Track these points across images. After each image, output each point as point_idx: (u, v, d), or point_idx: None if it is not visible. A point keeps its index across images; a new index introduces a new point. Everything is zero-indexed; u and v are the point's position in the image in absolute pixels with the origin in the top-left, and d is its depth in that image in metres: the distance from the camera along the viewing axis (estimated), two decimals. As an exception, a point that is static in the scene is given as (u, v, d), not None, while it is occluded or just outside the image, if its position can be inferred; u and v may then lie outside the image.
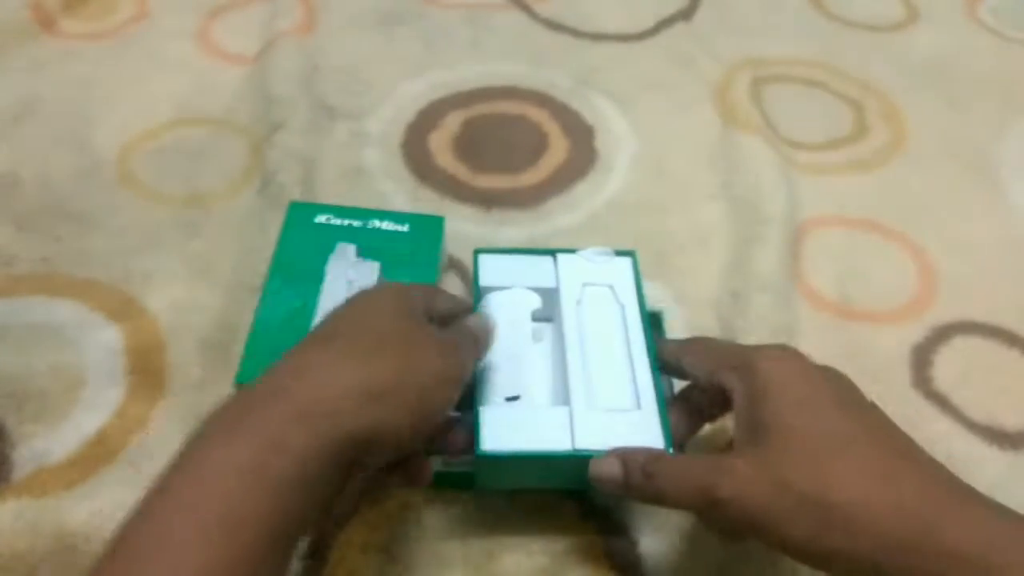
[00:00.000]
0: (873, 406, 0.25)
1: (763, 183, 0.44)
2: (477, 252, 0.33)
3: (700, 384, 0.29)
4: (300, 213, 0.37)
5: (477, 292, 0.32)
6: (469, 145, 0.46)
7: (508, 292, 0.32)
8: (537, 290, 0.32)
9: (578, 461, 0.27)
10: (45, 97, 0.47)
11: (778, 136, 0.48)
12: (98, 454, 0.31)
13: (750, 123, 0.48)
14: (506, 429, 0.28)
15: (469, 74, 0.51)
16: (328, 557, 0.29)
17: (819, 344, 0.36)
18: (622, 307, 0.32)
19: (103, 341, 0.35)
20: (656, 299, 0.38)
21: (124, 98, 0.47)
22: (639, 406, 0.29)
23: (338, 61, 0.51)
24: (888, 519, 0.21)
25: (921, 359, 0.37)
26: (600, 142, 0.47)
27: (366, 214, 0.37)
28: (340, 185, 0.43)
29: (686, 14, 0.57)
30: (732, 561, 0.30)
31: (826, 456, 0.23)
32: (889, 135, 0.49)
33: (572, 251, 0.33)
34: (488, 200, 0.43)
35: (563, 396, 0.29)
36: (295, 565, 0.29)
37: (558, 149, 0.46)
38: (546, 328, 0.33)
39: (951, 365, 0.37)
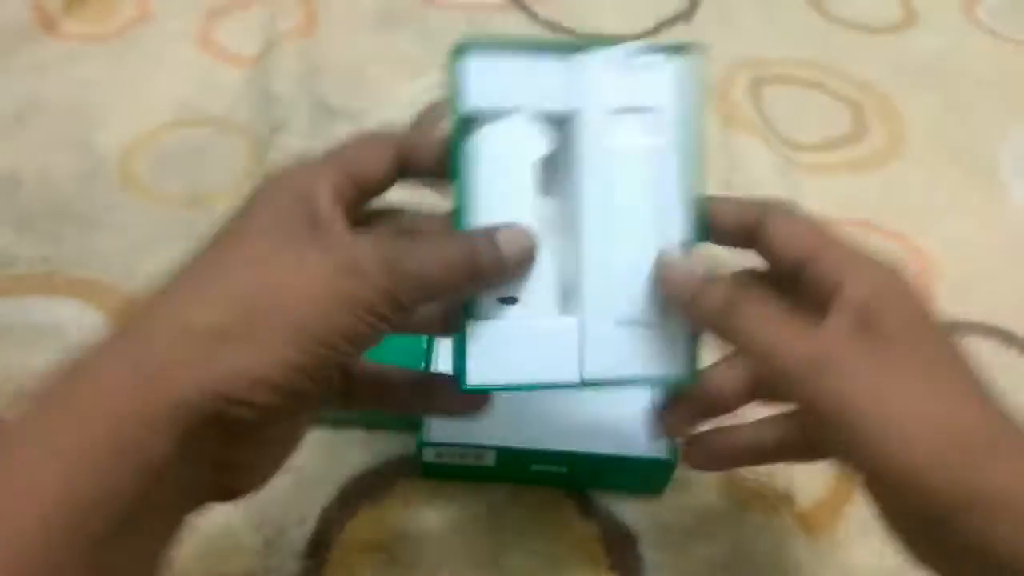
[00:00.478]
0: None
1: (762, 184, 0.44)
2: (458, 50, 0.21)
3: (780, 272, 0.21)
4: None
5: (456, 121, 0.21)
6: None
7: (502, 126, 0.21)
8: (544, 116, 0.22)
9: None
10: (46, 98, 0.47)
11: (777, 137, 0.48)
12: (99, 453, 0.31)
13: (749, 124, 0.48)
14: (497, 353, 0.21)
15: (469, 75, 0.51)
16: (327, 556, 0.29)
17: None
18: (661, 150, 0.22)
19: (104, 341, 0.35)
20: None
21: (125, 99, 0.47)
22: (665, 318, 0.22)
23: (338, 62, 0.51)
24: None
25: (920, 359, 0.37)
26: (600, 143, 0.47)
27: None
28: (340, 185, 0.43)
29: (686, 15, 0.57)
30: (733, 560, 0.30)
31: (959, 391, 0.18)
32: (888, 135, 0.49)
33: (602, 45, 0.22)
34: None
35: (572, 298, 0.22)
36: (294, 564, 0.29)
37: (558, 150, 0.46)
38: (553, 177, 0.22)
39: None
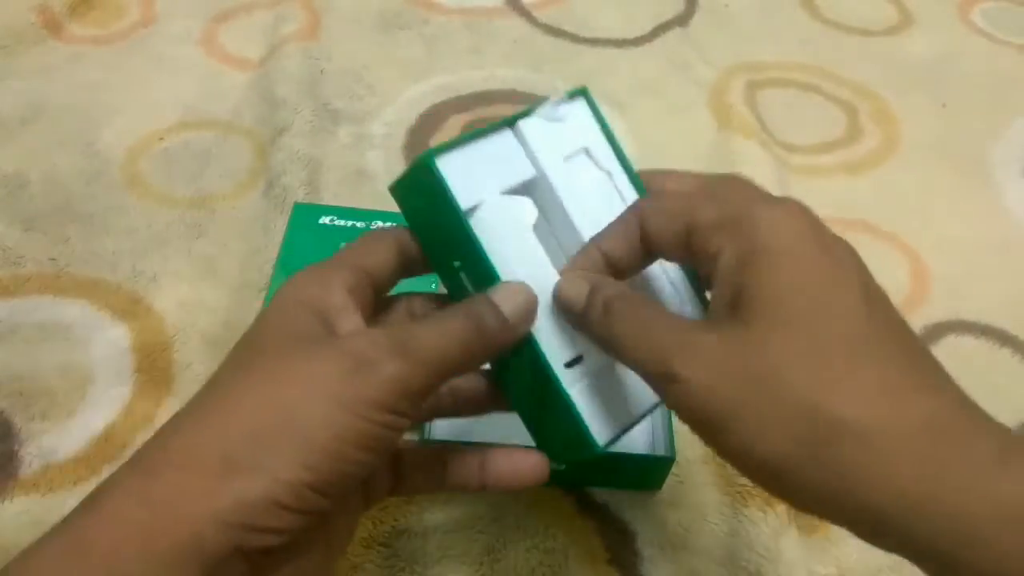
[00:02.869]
0: (887, 299, 0.19)
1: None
2: (431, 156, 0.22)
3: (669, 257, 0.21)
4: (304, 214, 0.38)
5: (456, 217, 0.21)
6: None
7: (497, 205, 0.22)
8: (518, 187, 0.23)
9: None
10: (52, 100, 0.48)
11: (773, 139, 0.48)
12: (105, 451, 0.32)
13: (745, 127, 0.48)
14: (602, 407, 0.22)
15: (470, 78, 0.51)
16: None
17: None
18: (609, 175, 0.25)
19: (110, 340, 0.36)
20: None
21: (130, 101, 0.48)
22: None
23: (342, 65, 0.51)
24: (912, 454, 0.15)
25: (914, 358, 0.38)
26: (598, 145, 0.47)
27: (369, 215, 0.38)
28: (343, 187, 0.43)
29: (682, 20, 0.58)
30: (730, 556, 0.30)
31: (837, 354, 0.16)
32: (882, 137, 0.49)
33: (525, 114, 0.24)
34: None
35: None
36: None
37: (557, 152, 0.47)
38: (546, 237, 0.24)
39: (944, 364, 0.37)
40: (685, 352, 0.17)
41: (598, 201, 0.24)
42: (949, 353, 0.38)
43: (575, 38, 0.55)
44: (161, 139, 0.46)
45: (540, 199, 0.24)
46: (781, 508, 0.31)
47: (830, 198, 0.45)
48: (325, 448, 0.17)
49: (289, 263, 0.36)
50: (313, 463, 0.17)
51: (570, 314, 0.21)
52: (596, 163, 0.25)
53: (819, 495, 0.16)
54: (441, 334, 0.19)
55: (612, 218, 0.22)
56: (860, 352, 0.17)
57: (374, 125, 0.48)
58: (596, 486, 0.32)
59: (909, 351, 0.18)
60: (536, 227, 0.23)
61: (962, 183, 0.47)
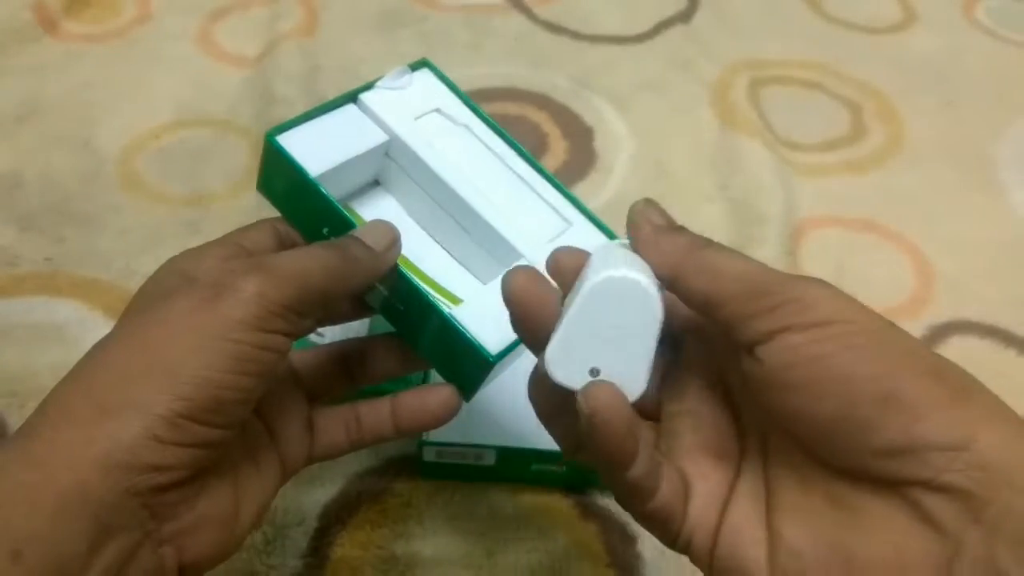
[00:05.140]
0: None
1: (761, 184, 0.44)
2: (271, 134, 0.23)
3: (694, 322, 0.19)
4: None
5: (307, 183, 0.22)
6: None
7: (347, 166, 0.24)
8: (371, 151, 0.25)
9: None
10: (48, 98, 0.47)
11: (776, 137, 0.48)
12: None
13: (748, 125, 0.48)
14: (491, 325, 0.22)
15: (469, 75, 0.51)
16: (329, 555, 0.30)
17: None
18: (467, 127, 0.26)
19: (105, 340, 0.35)
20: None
21: (126, 99, 0.48)
22: (569, 222, 0.25)
23: (339, 62, 0.51)
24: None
25: (918, 358, 0.37)
26: (599, 143, 0.47)
27: None
28: (341, 186, 0.43)
29: (685, 16, 0.57)
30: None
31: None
32: (886, 136, 0.49)
33: (368, 86, 0.26)
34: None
35: (496, 256, 0.25)
36: (295, 562, 0.29)
37: (558, 150, 0.46)
38: (385, 195, 0.26)
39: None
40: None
41: (460, 150, 0.25)
42: (953, 353, 0.37)
43: (576, 35, 0.55)
44: (157, 137, 0.45)
45: (398, 158, 0.25)
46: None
47: (834, 197, 0.45)
48: (195, 376, 0.18)
49: None
50: (185, 393, 0.18)
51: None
52: (450, 119, 0.26)
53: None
54: (301, 257, 0.20)
55: (477, 164, 0.25)
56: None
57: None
58: (597, 488, 0.32)
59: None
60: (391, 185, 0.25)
61: (966, 182, 0.47)
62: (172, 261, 0.22)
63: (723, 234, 0.42)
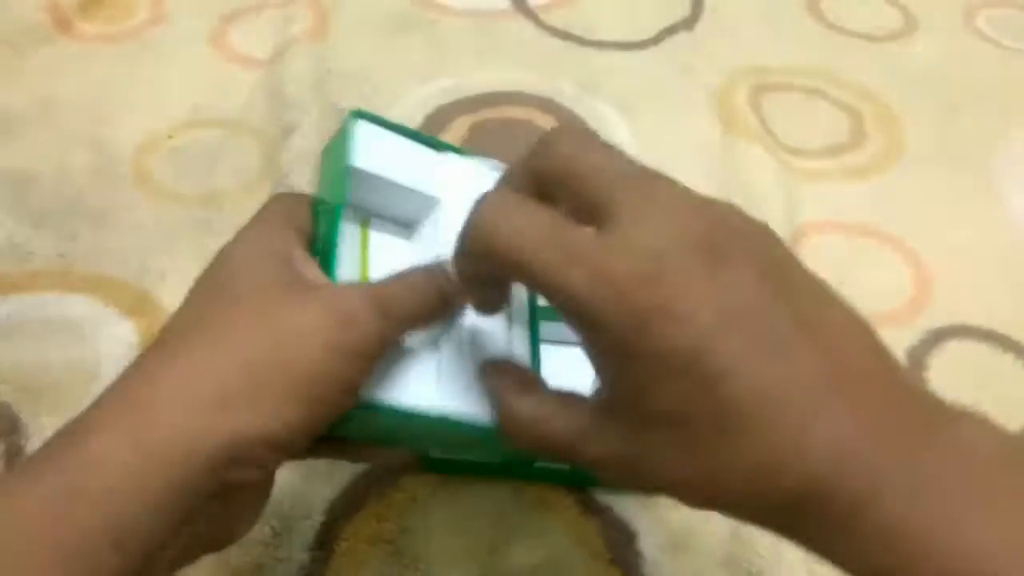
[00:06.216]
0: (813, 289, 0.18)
1: (761, 189, 0.45)
2: (353, 114, 0.23)
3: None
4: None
5: (343, 174, 0.22)
6: (476, 149, 0.47)
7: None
8: (414, 193, 0.24)
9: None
10: (62, 98, 0.48)
11: (777, 143, 0.49)
12: (113, 445, 0.32)
13: (749, 130, 0.48)
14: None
15: (476, 80, 0.51)
16: (335, 548, 0.30)
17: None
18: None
19: (118, 335, 0.36)
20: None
21: (139, 99, 0.48)
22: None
23: (350, 66, 0.52)
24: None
25: (915, 363, 0.38)
26: (604, 147, 0.48)
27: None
28: (349, 187, 0.44)
29: (688, 23, 0.58)
30: (732, 557, 0.30)
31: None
32: (887, 142, 0.50)
33: (460, 150, 0.25)
34: (494, 203, 0.44)
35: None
36: (302, 555, 0.30)
37: (562, 154, 0.47)
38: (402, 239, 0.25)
39: (945, 369, 0.37)
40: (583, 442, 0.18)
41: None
42: (951, 358, 0.38)
43: (581, 41, 0.56)
44: (170, 137, 0.46)
45: (420, 211, 0.24)
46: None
47: (834, 202, 0.45)
48: (317, 389, 0.18)
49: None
50: (305, 402, 0.18)
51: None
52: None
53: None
54: (413, 294, 0.20)
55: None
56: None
57: (381, 125, 0.48)
58: (599, 485, 0.32)
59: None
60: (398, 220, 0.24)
61: (966, 188, 0.47)
62: (258, 241, 0.21)
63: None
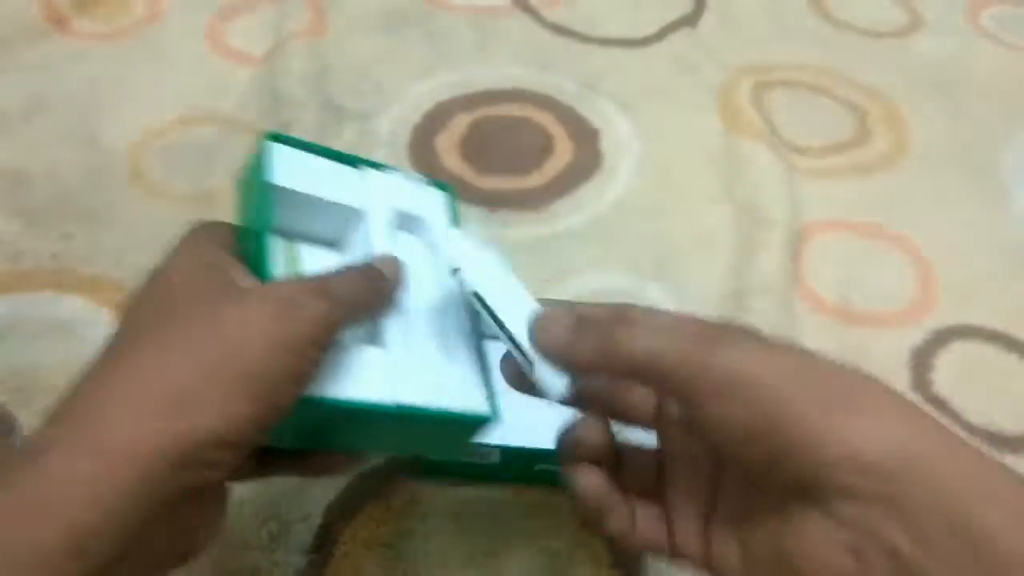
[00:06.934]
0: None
1: (765, 187, 0.44)
2: (268, 137, 0.24)
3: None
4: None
5: (265, 195, 0.23)
6: (475, 147, 0.46)
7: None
8: (339, 207, 0.24)
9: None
10: (56, 95, 0.48)
11: (781, 141, 0.48)
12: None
13: (753, 128, 0.48)
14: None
15: (476, 77, 0.51)
16: (332, 552, 0.30)
17: (819, 347, 0.36)
18: (435, 246, 0.26)
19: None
20: (658, 301, 0.39)
21: (134, 96, 0.48)
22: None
23: (347, 62, 0.51)
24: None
25: (921, 363, 0.37)
26: (605, 145, 0.47)
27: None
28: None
29: (691, 20, 0.57)
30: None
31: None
32: (891, 140, 0.49)
33: (379, 166, 0.26)
34: (493, 202, 0.43)
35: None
36: (299, 559, 0.29)
37: (563, 152, 0.47)
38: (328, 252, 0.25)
39: (951, 369, 0.37)
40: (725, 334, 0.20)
41: (413, 258, 0.25)
42: (956, 358, 0.38)
43: (583, 37, 0.55)
44: (164, 135, 0.46)
45: (345, 224, 0.25)
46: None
47: (838, 201, 0.45)
48: (266, 382, 0.18)
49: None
50: (258, 395, 0.18)
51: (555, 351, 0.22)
52: (429, 232, 0.26)
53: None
54: (350, 281, 0.21)
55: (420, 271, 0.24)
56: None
57: (380, 123, 0.47)
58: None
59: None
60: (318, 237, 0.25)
61: (971, 187, 0.47)
62: (195, 251, 0.21)
63: (727, 238, 0.42)
